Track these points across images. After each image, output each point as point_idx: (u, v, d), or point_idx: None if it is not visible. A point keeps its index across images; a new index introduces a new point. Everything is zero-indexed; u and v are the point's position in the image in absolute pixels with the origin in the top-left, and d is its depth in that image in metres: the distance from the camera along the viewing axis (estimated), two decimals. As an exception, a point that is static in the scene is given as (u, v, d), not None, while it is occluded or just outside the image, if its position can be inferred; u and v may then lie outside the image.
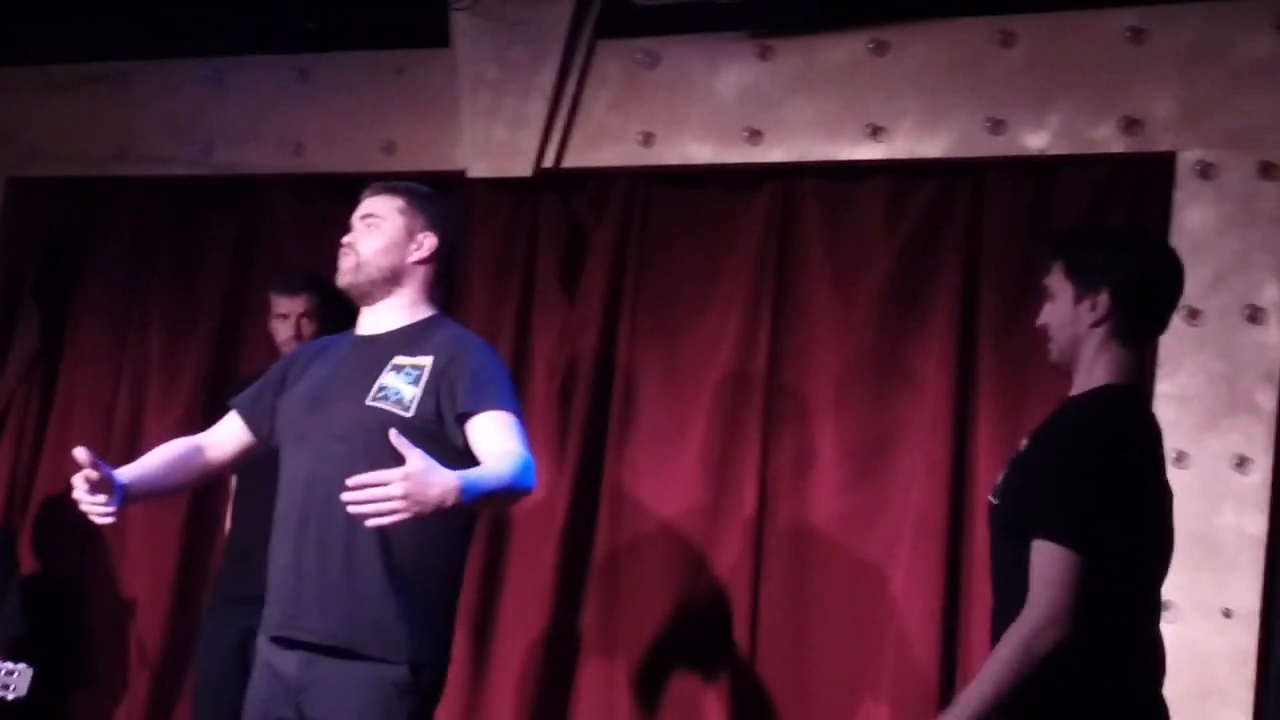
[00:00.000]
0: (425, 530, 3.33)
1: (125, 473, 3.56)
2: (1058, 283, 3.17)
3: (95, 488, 3.43)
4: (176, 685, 5.33)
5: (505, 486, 3.30)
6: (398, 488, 3.05)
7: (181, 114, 5.46)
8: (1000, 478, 3.16)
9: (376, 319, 3.63)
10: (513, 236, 5.06)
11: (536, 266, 5.01)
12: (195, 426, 5.30)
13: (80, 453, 3.39)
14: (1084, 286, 3.12)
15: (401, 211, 3.62)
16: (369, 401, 3.48)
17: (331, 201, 5.33)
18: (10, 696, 4.49)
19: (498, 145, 4.93)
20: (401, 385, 3.49)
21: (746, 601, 4.60)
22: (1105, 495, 2.94)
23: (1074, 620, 2.89)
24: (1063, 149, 4.36)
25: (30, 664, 4.55)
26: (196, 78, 5.44)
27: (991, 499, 3.19)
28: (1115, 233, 3.37)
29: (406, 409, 3.45)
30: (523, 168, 4.90)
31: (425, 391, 3.47)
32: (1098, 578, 2.90)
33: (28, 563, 5.39)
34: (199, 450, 3.74)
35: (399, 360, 3.53)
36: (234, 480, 4.94)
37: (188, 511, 5.35)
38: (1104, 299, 3.09)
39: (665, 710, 4.71)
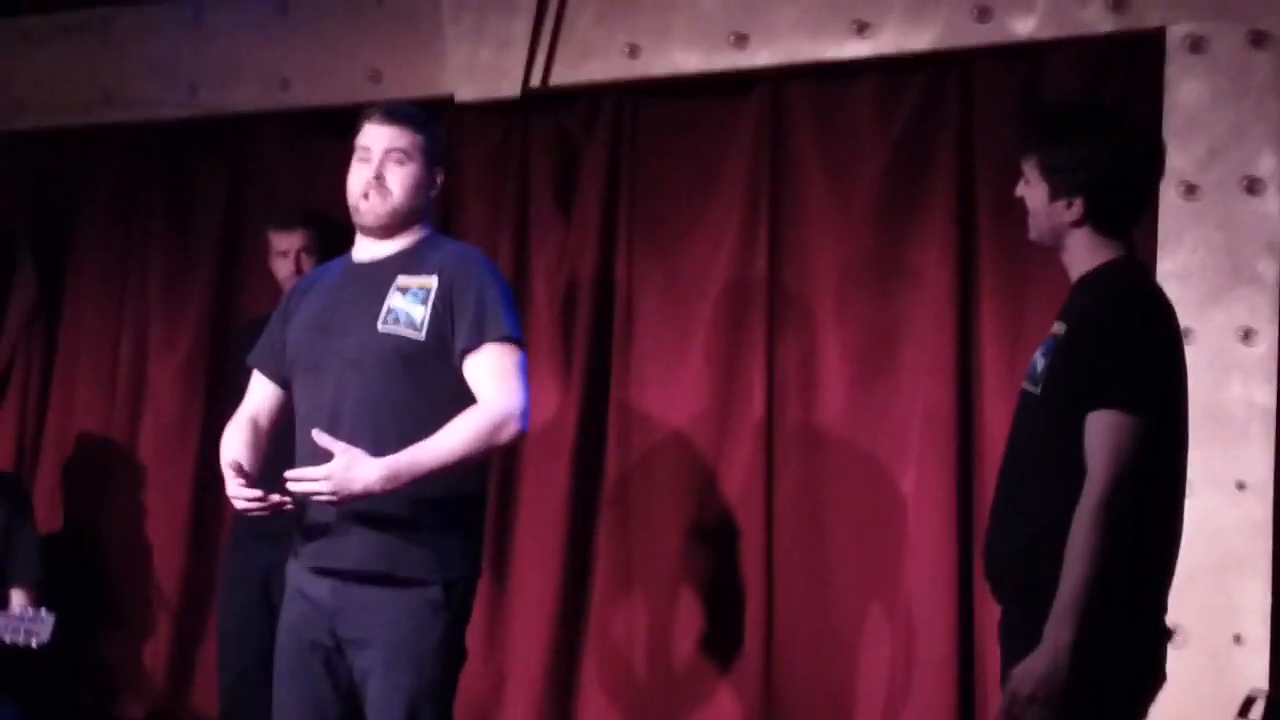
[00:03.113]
0: None
1: (248, 463, 3.61)
2: (1032, 174, 3.17)
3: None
4: (200, 624, 5.37)
5: (464, 455, 3.42)
6: (323, 485, 3.33)
7: (164, 56, 5.43)
8: (1038, 366, 3.14)
9: (376, 244, 3.63)
10: (505, 158, 5.04)
11: (530, 187, 4.99)
12: (197, 369, 5.39)
13: (233, 464, 3.50)
14: (1059, 189, 3.12)
15: (424, 150, 3.61)
16: (380, 327, 3.50)
17: (321, 135, 5.34)
18: (34, 643, 4.51)
19: (484, 67, 4.90)
20: (410, 306, 3.51)
21: (760, 507, 4.61)
22: (1155, 361, 2.97)
23: (1138, 485, 2.90)
24: (1051, 32, 4.32)
25: (51, 610, 4.57)
26: (176, 19, 5.41)
27: (1029, 387, 3.16)
28: (1088, 131, 3.19)
29: (418, 330, 3.49)
30: (510, 88, 4.87)
31: (434, 312, 3.49)
32: (1156, 444, 2.92)
33: (42, 513, 5.41)
34: (253, 424, 3.72)
35: (403, 281, 3.54)
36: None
37: (198, 451, 5.36)
38: (1079, 203, 3.10)
39: (682, 619, 4.73)
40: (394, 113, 3.64)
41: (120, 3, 5.49)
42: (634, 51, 4.78)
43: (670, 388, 4.77)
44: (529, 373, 3.56)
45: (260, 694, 4.37)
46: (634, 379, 4.81)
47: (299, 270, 4.87)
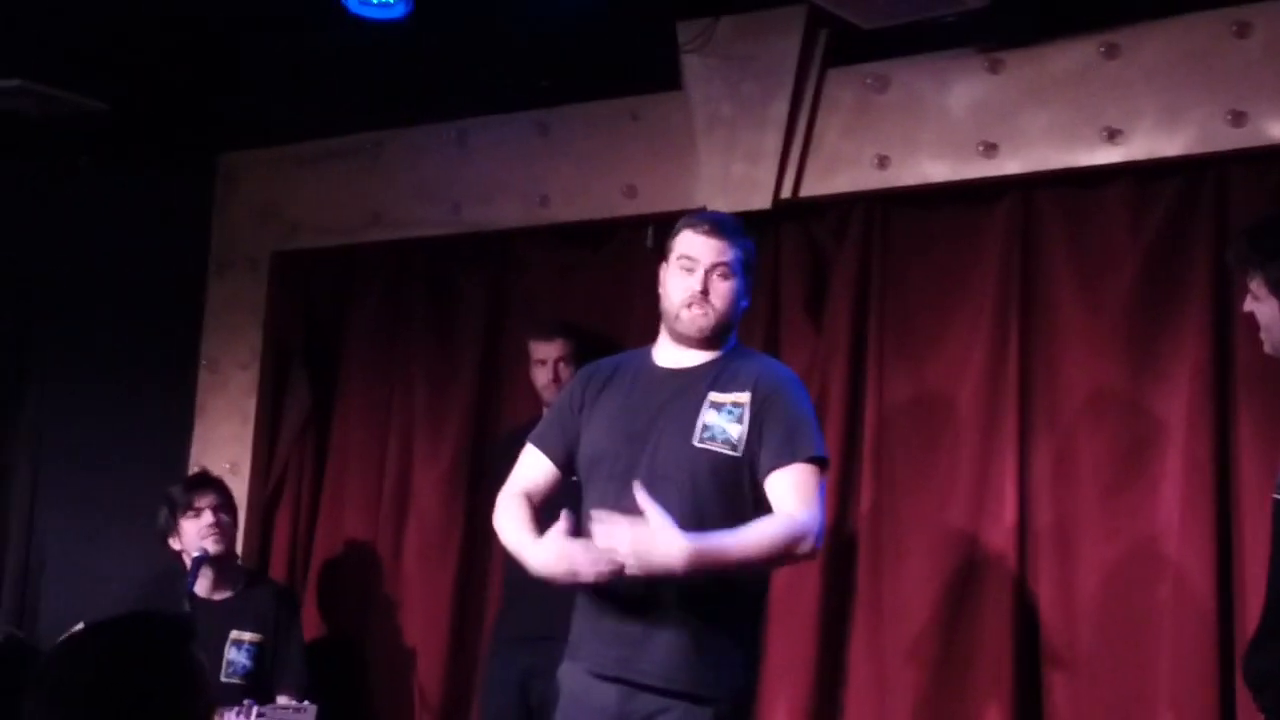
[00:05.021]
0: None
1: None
2: (1260, 290, 3.12)
3: None
4: (459, 729, 5.48)
5: (764, 558, 3.50)
6: (624, 542, 3.33)
7: (429, 177, 5.68)
8: None
9: (680, 353, 3.70)
10: (756, 268, 5.11)
11: (781, 296, 5.06)
12: (460, 480, 5.54)
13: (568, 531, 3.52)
14: None
15: (744, 264, 3.70)
16: (696, 443, 3.56)
17: (578, 248, 5.52)
18: (300, 732, 4.67)
19: (736, 180, 5.01)
20: (726, 424, 3.57)
21: (1012, 615, 4.56)
22: None
23: None
24: (1308, 135, 4.29)
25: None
26: (441, 141, 5.65)
27: (1277, 496, 3.11)
28: None
29: (735, 448, 3.56)
30: (762, 200, 4.96)
31: (748, 428, 3.56)
32: None
33: (311, 619, 5.60)
34: (528, 501, 3.74)
35: (716, 397, 3.60)
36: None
37: (460, 557, 5.50)
38: None
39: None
40: (722, 226, 3.71)
41: (389, 127, 5.74)
42: (883, 162, 4.84)
43: (921, 495, 4.77)
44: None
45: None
46: (885, 486, 4.81)
47: (557, 378, 5.01)
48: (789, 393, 3.64)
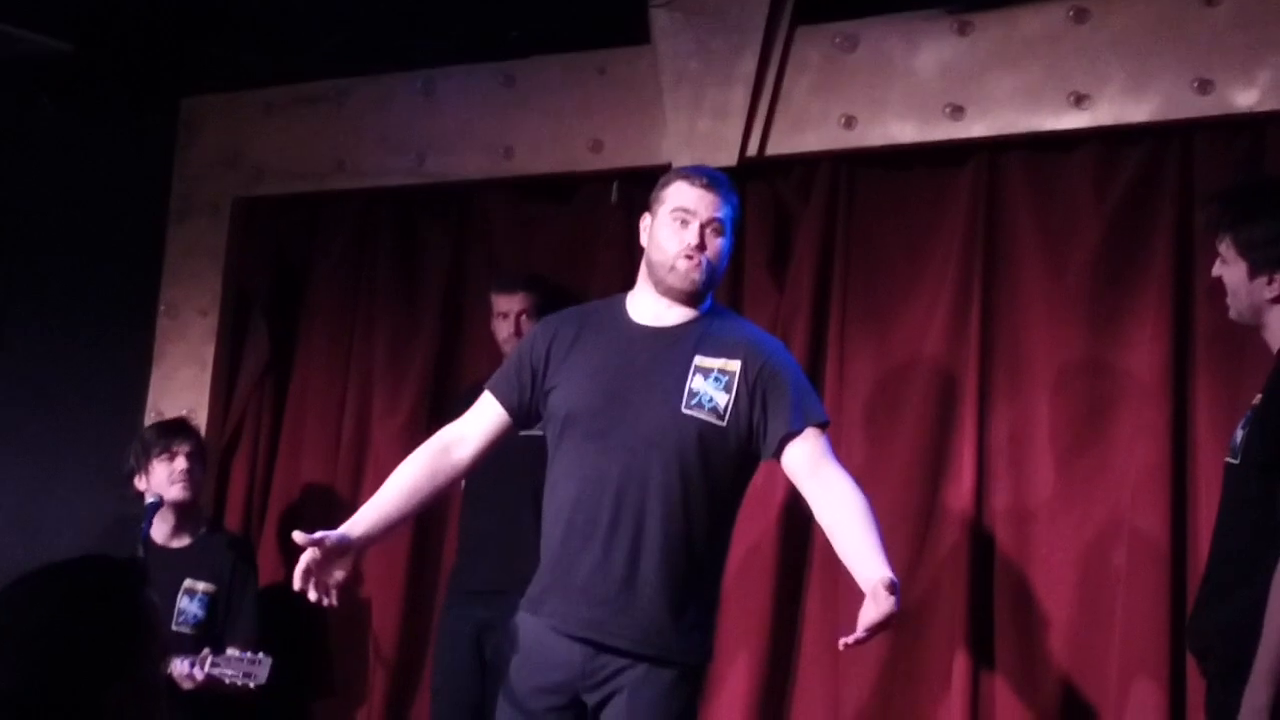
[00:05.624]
0: (718, 532, 3.61)
1: (359, 521, 3.59)
2: (1229, 253, 3.14)
3: (326, 560, 3.46)
4: (414, 682, 5.46)
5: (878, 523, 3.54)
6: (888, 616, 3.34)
7: (395, 126, 5.62)
8: (1238, 438, 3.11)
9: (661, 309, 3.67)
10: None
11: (745, 253, 5.02)
12: (419, 431, 5.49)
13: (297, 536, 3.44)
14: (1258, 265, 3.10)
15: (734, 222, 3.69)
16: (684, 409, 3.55)
17: (543, 201, 5.50)
18: (252, 684, 4.66)
19: (702, 137, 4.99)
20: (713, 391, 3.56)
21: (967, 579, 4.58)
22: None
23: None
24: (1273, 105, 4.28)
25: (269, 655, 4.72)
26: (408, 90, 5.60)
27: (1230, 460, 3.14)
28: None
29: (721, 417, 3.55)
30: (727, 157, 4.93)
31: (736, 397, 3.55)
32: None
33: (267, 567, 5.57)
34: (444, 454, 3.70)
35: (702, 361, 3.58)
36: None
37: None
38: None
39: (887, 693, 4.71)
40: (718, 182, 3.68)
41: (356, 74, 5.70)
42: (849, 122, 4.83)
43: (881, 454, 4.77)
44: None
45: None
46: (843, 447, 4.78)
47: (519, 332, 4.99)
48: (783, 361, 3.66)
